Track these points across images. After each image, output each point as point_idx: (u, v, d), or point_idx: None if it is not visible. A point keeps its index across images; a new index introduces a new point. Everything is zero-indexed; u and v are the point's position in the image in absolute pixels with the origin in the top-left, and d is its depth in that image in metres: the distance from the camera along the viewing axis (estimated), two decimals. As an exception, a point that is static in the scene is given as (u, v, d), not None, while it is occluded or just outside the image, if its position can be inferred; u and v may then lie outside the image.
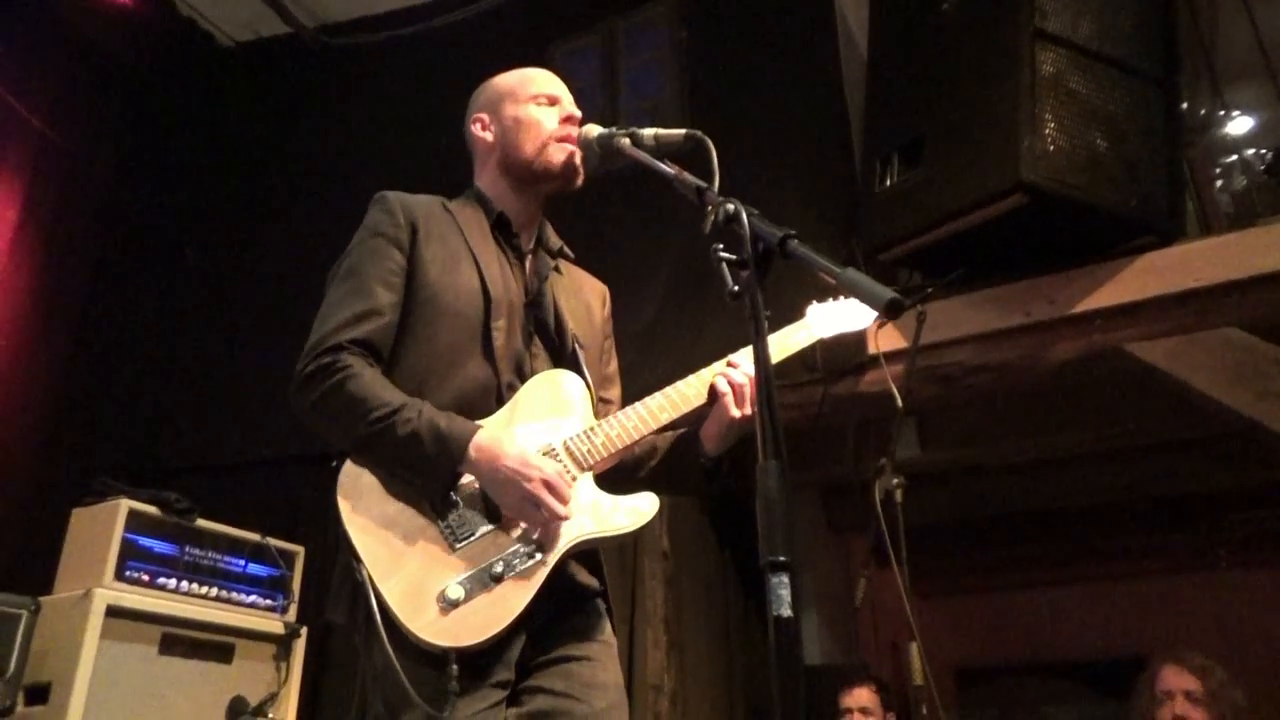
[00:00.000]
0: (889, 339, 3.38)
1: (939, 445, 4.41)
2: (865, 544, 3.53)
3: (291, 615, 3.41)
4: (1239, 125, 4.46)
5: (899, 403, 3.10)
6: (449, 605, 1.55)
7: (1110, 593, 5.98)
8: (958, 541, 5.72)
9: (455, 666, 1.50)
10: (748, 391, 1.77)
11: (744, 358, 1.82)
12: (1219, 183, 4.22)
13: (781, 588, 1.08)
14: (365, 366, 1.68)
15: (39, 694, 2.76)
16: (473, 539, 1.62)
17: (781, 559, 1.08)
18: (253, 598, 3.32)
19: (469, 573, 1.59)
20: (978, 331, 3.46)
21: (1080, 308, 3.30)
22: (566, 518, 1.65)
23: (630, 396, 2.04)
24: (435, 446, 1.60)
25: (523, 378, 1.79)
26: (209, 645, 3.13)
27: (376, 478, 1.65)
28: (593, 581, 1.78)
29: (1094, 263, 3.31)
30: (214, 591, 3.20)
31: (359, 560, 1.57)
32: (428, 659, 1.52)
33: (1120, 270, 3.27)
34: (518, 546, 1.63)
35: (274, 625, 3.33)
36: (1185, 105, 3.78)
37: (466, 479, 1.66)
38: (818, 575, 5.24)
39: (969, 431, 4.37)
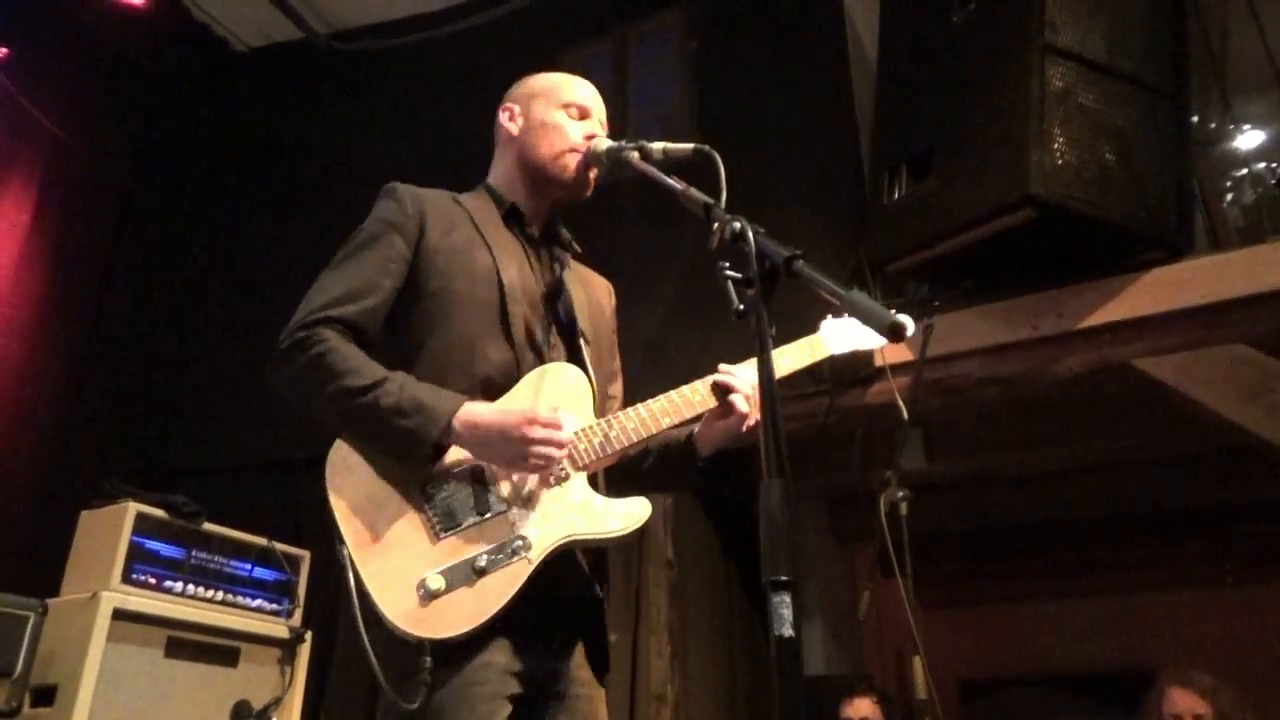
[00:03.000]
0: (896, 351, 3.39)
1: (945, 457, 4.41)
2: (870, 554, 3.53)
3: (297, 619, 3.41)
4: (1249, 139, 4.44)
5: (905, 415, 3.11)
6: (429, 596, 1.53)
7: (1116, 606, 5.96)
8: (963, 553, 5.71)
9: (429, 658, 1.49)
10: (746, 397, 1.78)
11: (748, 367, 1.82)
12: (1229, 196, 4.20)
13: (783, 607, 1.08)
14: (344, 341, 1.67)
15: (45, 696, 2.77)
16: (458, 530, 1.61)
17: (784, 578, 1.08)
18: (258, 602, 3.33)
19: (451, 564, 1.57)
20: (985, 344, 3.46)
21: (1088, 322, 3.29)
22: (565, 443, 1.63)
23: (638, 403, 2.05)
24: (418, 418, 1.59)
25: (541, 364, 1.78)
26: (214, 649, 3.13)
27: (365, 459, 1.64)
28: (589, 594, 1.76)
29: (1102, 277, 3.31)
30: (220, 595, 3.21)
31: (342, 542, 1.56)
32: (409, 647, 1.51)
33: (1128, 285, 3.27)
34: (502, 541, 1.61)
35: (279, 629, 3.33)
36: (1195, 119, 3.77)
37: (453, 459, 1.64)
38: (822, 585, 5.24)
39: (975, 443, 4.37)
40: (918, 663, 2.90)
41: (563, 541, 1.64)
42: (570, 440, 1.67)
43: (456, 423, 1.61)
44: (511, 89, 2.04)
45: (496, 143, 2.03)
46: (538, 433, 1.59)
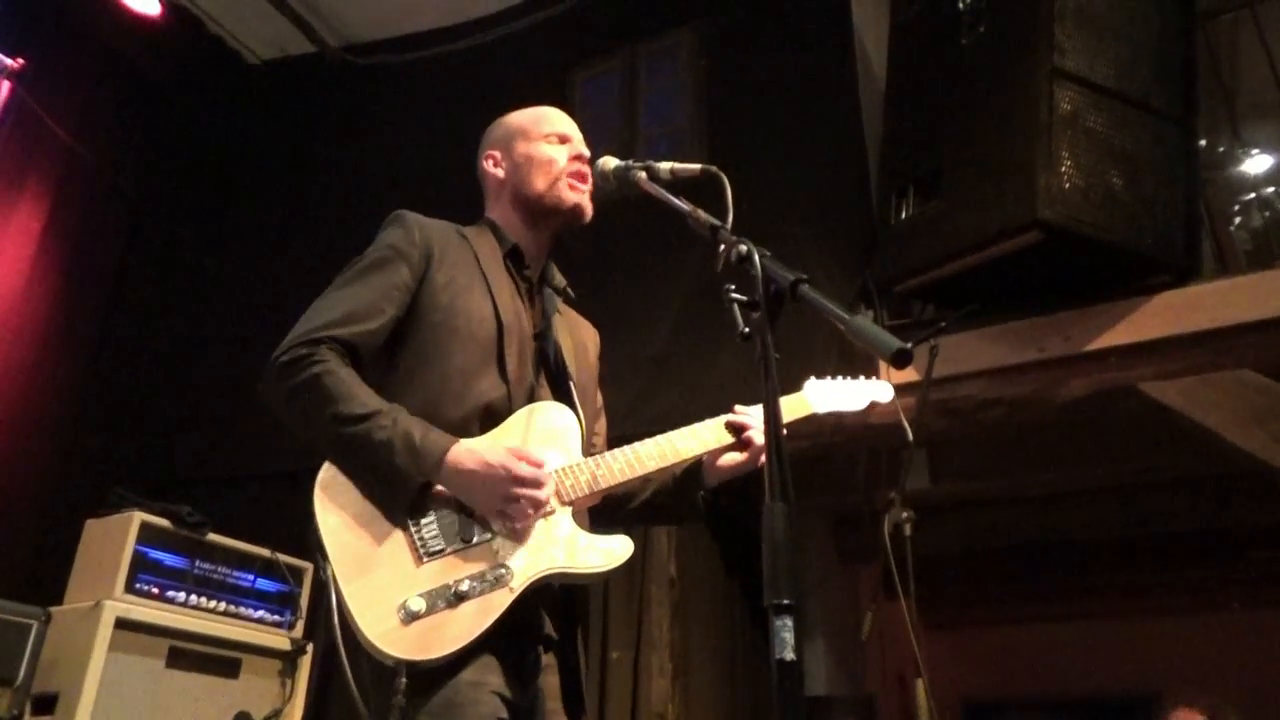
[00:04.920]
0: (902, 372, 3.39)
1: (950, 477, 4.40)
2: (874, 575, 3.53)
3: (298, 631, 3.42)
4: (1258, 164, 4.45)
5: (909, 436, 3.10)
6: (409, 617, 1.54)
7: (1121, 629, 5.94)
8: (968, 574, 5.69)
9: (404, 680, 1.49)
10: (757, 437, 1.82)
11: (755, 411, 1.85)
12: (1237, 219, 4.20)
13: (785, 630, 1.08)
14: (341, 364, 1.69)
15: (46, 704, 2.77)
16: (443, 554, 1.61)
17: (786, 601, 1.09)
18: (260, 613, 3.33)
19: (433, 587, 1.57)
20: (990, 366, 3.45)
21: (1094, 345, 3.29)
22: (545, 500, 1.65)
23: (641, 422, 2.07)
24: (407, 456, 1.60)
25: (533, 401, 1.81)
26: (216, 659, 3.14)
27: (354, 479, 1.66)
28: (554, 633, 1.74)
29: (1109, 301, 3.31)
30: (222, 606, 3.21)
31: (326, 559, 1.57)
32: (387, 668, 1.51)
33: (1135, 309, 3.26)
34: (485, 569, 1.61)
35: (280, 641, 3.33)
36: (1204, 142, 3.78)
37: (439, 488, 1.66)
38: (825, 605, 5.22)
39: (980, 464, 4.36)
40: (920, 685, 2.89)
41: (545, 574, 1.65)
42: (548, 495, 1.67)
43: (444, 467, 1.63)
44: (486, 137, 2.08)
45: (486, 190, 2.06)
46: (517, 490, 1.62)
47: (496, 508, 1.64)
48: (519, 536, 1.66)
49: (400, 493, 1.62)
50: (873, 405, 2.11)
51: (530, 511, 1.64)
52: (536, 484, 1.64)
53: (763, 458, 1.79)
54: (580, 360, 1.98)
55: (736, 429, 1.85)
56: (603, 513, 1.88)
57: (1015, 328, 3.44)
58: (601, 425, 2.06)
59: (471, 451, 1.64)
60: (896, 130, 3.78)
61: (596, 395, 2.06)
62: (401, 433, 1.62)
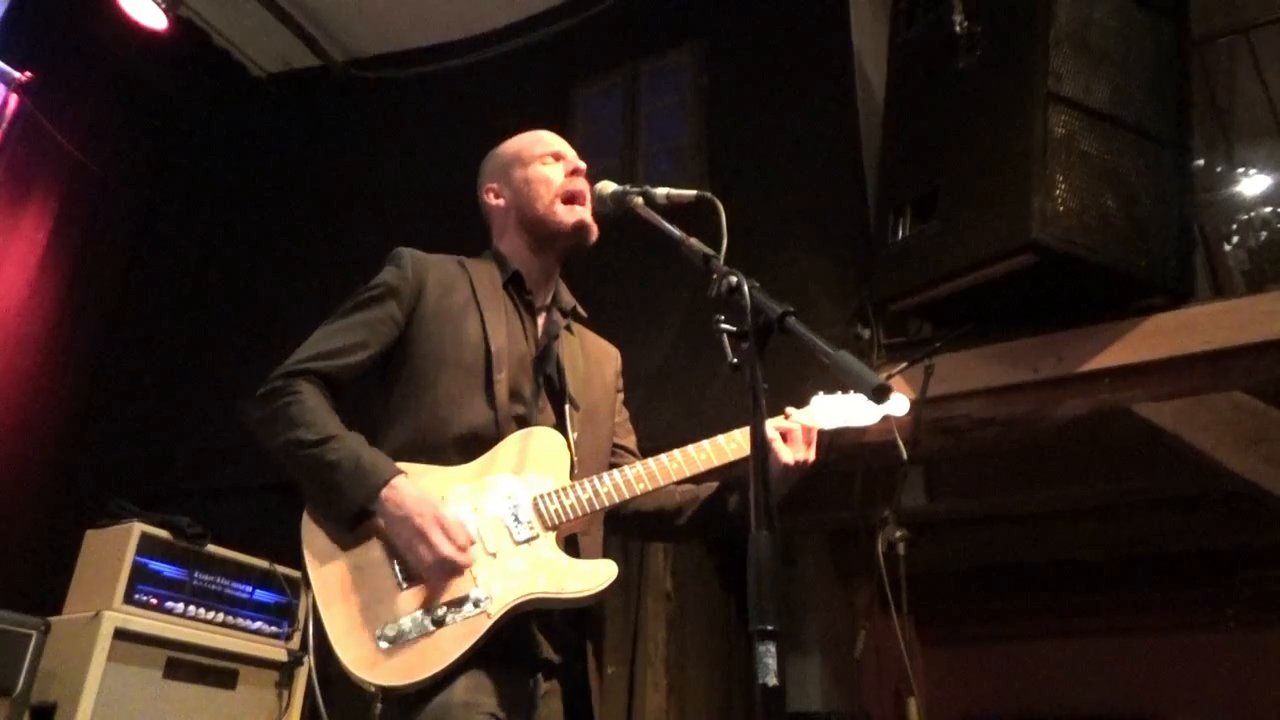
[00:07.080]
0: (897, 390, 3.40)
1: (946, 495, 4.41)
2: (869, 592, 3.54)
3: (295, 643, 3.43)
4: (1253, 184, 4.47)
5: (904, 455, 3.13)
6: (385, 643, 1.57)
7: (1118, 649, 5.93)
8: (966, 592, 5.70)
9: (380, 705, 1.51)
10: (799, 435, 1.82)
11: (796, 413, 1.88)
12: (1233, 240, 4.23)
13: (768, 656, 1.10)
14: (314, 394, 1.73)
15: (44, 714, 2.79)
16: (422, 581, 1.63)
17: (770, 628, 1.11)
18: (258, 624, 3.35)
19: (411, 614, 1.60)
20: (985, 386, 3.47)
21: (1088, 366, 3.30)
22: (454, 560, 1.61)
23: (640, 437, 2.08)
24: (351, 478, 1.63)
25: (524, 427, 1.82)
26: (213, 670, 3.16)
27: None
28: (555, 656, 1.74)
29: (1103, 322, 3.33)
30: (220, 617, 3.23)
31: (309, 585, 1.61)
32: (362, 693, 1.53)
33: (1129, 330, 3.28)
34: (464, 595, 1.63)
35: (278, 652, 3.35)
36: (1201, 162, 3.80)
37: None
38: (822, 621, 5.22)
39: (976, 483, 4.37)
40: (913, 704, 2.91)
41: (524, 599, 1.66)
42: (463, 561, 1.63)
43: (383, 494, 1.63)
44: (482, 171, 2.11)
45: (491, 223, 2.09)
46: (435, 536, 1.60)
47: (409, 543, 1.62)
48: (498, 562, 1.67)
49: (342, 510, 1.64)
50: (885, 419, 2.09)
51: (437, 558, 1.60)
52: (456, 541, 1.62)
53: (796, 455, 1.81)
54: (590, 381, 1.98)
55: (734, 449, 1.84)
56: (646, 530, 1.94)
57: (1010, 348, 3.46)
58: (630, 442, 2.06)
59: (409, 484, 1.65)
60: (894, 151, 3.81)
61: (613, 414, 2.06)
62: (350, 454, 1.65)
